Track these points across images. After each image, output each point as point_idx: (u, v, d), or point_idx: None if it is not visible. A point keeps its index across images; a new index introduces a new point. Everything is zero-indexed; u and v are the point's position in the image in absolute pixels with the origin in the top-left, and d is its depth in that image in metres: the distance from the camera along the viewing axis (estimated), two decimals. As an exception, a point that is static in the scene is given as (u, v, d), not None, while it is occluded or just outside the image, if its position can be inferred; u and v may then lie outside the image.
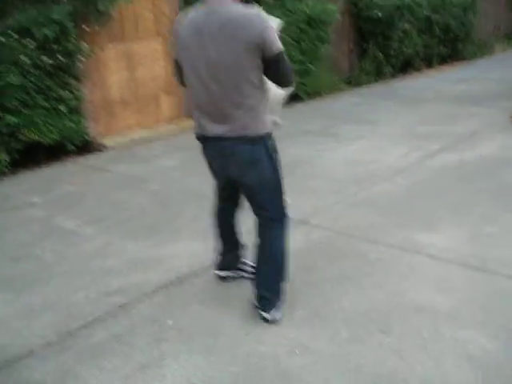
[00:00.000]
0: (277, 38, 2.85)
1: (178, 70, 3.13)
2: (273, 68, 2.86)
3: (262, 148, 3.01)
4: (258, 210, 3.21)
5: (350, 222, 4.55)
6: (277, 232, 3.22)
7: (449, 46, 13.61)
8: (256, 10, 2.84)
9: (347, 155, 6.48)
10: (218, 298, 3.55)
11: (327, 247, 4.15)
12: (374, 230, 4.38)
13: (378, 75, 11.92)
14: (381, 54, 11.83)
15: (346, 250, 4.09)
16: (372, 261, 3.89)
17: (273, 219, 3.21)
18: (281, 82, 2.96)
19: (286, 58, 2.87)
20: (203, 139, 3.12)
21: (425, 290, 3.48)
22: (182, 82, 3.19)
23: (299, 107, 9.29)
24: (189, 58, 2.93)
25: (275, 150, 3.10)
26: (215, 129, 2.98)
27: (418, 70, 12.89)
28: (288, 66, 2.91)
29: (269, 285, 3.25)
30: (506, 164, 5.82)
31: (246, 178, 3.07)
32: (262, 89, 2.96)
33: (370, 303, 3.36)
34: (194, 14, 2.94)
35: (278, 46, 2.82)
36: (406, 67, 12.64)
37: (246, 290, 3.53)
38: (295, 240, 3.98)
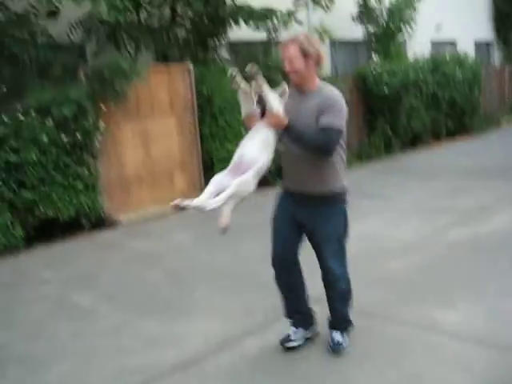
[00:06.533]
0: None
1: None
2: None
3: None
4: None
5: (364, 299, 4.50)
6: None
7: (456, 120, 13.88)
8: None
9: (360, 230, 6.47)
10: (235, 379, 3.50)
11: (343, 325, 4.11)
12: (389, 306, 4.36)
13: (388, 150, 12.13)
14: (389, 129, 12.08)
15: (361, 327, 4.04)
16: (388, 338, 3.86)
17: None
18: None
19: None
20: None
21: (442, 369, 3.42)
22: None
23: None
24: None
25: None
26: None
27: (426, 144, 13.10)
28: None
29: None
30: (519, 238, 5.83)
31: None
32: None
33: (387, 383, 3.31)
34: None
35: None
36: (414, 142, 12.86)
37: (260, 372, 3.50)
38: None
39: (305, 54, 3.39)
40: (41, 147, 6.75)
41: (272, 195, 3.86)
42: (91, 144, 7.25)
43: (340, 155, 3.52)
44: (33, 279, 5.66)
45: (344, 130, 3.44)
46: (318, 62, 3.47)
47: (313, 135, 3.35)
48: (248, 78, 3.30)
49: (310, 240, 3.65)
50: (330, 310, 3.78)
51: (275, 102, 3.31)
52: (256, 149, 3.28)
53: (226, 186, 3.16)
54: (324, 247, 3.57)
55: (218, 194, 3.14)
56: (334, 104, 3.39)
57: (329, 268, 3.61)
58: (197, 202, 3.09)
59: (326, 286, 3.71)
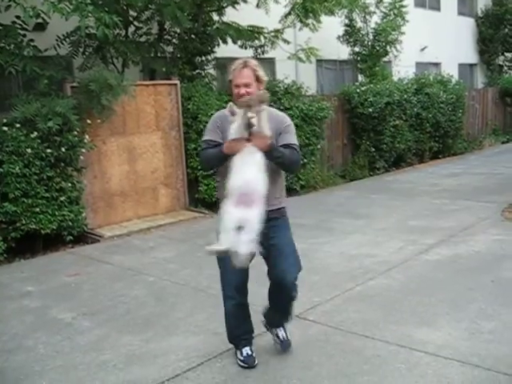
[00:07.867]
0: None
1: None
2: None
3: None
4: None
5: (346, 318, 4.54)
6: None
7: (439, 141, 14.04)
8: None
9: (342, 249, 6.53)
10: (215, 395, 3.49)
11: (324, 343, 4.12)
12: (371, 325, 4.37)
13: (372, 169, 12.23)
14: (373, 148, 12.19)
15: (343, 346, 4.06)
16: (369, 357, 3.86)
17: None
18: None
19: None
20: None
21: (423, 388, 3.43)
22: None
23: (294, 200, 9.42)
24: None
25: None
26: None
27: (410, 164, 13.23)
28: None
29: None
30: (501, 259, 5.88)
31: None
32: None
33: (368, 402, 3.31)
34: None
35: None
36: (398, 161, 12.97)
37: (242, 387, 3.49)
38: (291, 335, 3.98)
39: (258, 80, 3.54)
40: (24, 159, 6.71)
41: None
42: (75, 158, 7.21)
43: None
44: (13, 292, 5.59)
45: None
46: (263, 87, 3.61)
47: (289, 153, 3.48)
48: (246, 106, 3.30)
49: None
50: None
51: (266, 124, 3.35)
52: (258, 175, 3.30)
53: (245, 219, 3.21)
54: None
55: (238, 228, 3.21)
56: (291, 125, 3.65)
57: None
58: (226, 244, 3.18)
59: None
